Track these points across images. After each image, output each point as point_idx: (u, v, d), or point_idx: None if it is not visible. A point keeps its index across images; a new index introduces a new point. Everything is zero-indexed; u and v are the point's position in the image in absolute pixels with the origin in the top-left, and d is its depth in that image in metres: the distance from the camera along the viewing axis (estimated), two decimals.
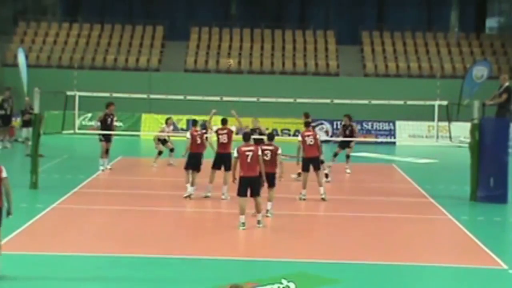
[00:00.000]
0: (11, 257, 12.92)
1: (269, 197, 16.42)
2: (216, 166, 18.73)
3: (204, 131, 19.48)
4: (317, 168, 18.90)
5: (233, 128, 19.15)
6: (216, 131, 19.09)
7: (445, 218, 17.26)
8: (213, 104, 29.03)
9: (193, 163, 18.80)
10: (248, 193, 15.20)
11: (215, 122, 21.87)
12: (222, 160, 18.51)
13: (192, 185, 18.78)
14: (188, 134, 19.12)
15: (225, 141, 18.69)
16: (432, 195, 20.17)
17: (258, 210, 15.33)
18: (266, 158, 15.97)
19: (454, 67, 40.45)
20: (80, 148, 30.42)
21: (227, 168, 18.26)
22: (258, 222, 15.35)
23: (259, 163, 15.17)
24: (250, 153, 14.98)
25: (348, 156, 23.99)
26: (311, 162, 18.81)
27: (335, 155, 23.97)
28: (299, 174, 20.96)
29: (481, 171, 19.44)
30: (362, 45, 42.45)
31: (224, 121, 19.32)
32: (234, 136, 19.02)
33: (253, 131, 21.15)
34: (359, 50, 42.51)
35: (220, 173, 18.72)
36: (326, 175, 21.64)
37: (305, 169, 18.92)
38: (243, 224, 15.18)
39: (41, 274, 12.04)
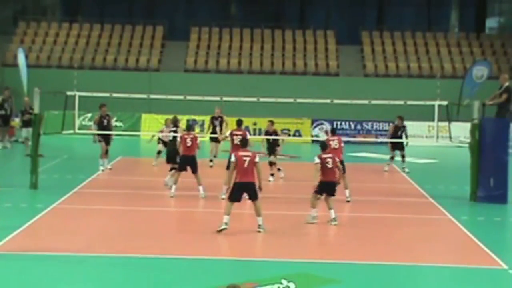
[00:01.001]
0: (11, 257, 12.93)
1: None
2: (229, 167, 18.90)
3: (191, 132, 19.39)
4: (342, 171, 19.01)
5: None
6: (231, 133, 19.33)
7: (445, 218, 17.26)
8: (213, 104, 29.12)
9: (184, 165, 18.98)
10: (245, 198, 15.12)
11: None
12: None
13: (199, 184, 18.88)
14: (178, 137, 19.46)
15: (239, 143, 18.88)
16: (432, 195, 20.17)
17: (258, 214, 15.09)
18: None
19: (454, 67, 40.46)
20: (80, 148, 30.42)
21: None
22: (259, 226, 15.06)
23: (256, 170, 14.91)
24: (247, 158, 14.75)
25: (403, 156, 24.68)
26: None
27: (392, 158, 24.83)
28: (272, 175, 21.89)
29: (481, 171, 19.45)
30: (362, 45, 42.45)
31: (239, 123, 19.50)
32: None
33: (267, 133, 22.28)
34: (359, 50, 42.52)
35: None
36: (272, 175, 22.12)
37: None
38: (226, 224, 14.79)
39: (41, 274, 12.04)
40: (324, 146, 16.41)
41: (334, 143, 19.07)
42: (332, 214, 16.09)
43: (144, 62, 40.66)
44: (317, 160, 15.90)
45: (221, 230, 14.75)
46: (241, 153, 14.92)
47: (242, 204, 18.76)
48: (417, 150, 31.69)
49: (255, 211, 15.15)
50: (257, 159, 14.85)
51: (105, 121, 23.23)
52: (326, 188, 16.04)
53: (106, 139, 23.04)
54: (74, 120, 23.15)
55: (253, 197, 14.94)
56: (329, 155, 16.09)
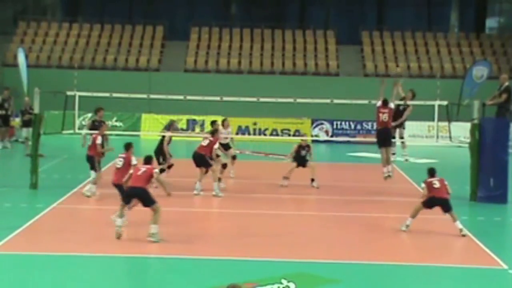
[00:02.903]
0: (11, 257, 12.94)
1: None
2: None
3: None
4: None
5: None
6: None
7: (445, 218, 17.21)
8: (213, 104, 29.15)
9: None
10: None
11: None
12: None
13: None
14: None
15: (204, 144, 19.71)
16: None
17: (152, 221, 14.36)
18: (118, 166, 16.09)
19: (454, 67, 40.45)
20: (80, 148, 30.26)
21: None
22: (151, 235, 14.13)
23: (157, 181, 14.89)
24: (143, 169, 14.69)
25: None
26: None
27: None
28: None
29: (481, 171, 19.46)
30: (362, 45, 42.46)
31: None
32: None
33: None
34: (359, 50, 42.52)
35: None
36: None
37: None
38: (119, 227, 14.33)
39: (41, 274, 12.04)
40: (432, 172, 15.95)
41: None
42: (459, 225, 15.47)
43: (144, 62, 40.66)
44: (422, 185, 15.85)
45: (118, 236, 14.30)
46: (140, 165, 15.03)
47: (242, 204, 18.83)
48: (417, 150, 31.70)
49: (152, 218, 14.35)
50: (156, 170, 14.82)
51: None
52: (436, 203, 15.53)
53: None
54: (74, 120, 23.12)
55: (146, 203, 14.52)
56: (436, 178, 15.67)
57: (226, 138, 22.40)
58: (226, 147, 22.83)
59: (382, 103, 20.67)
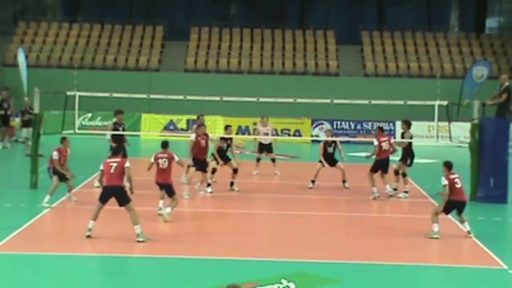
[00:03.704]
0: (11, 257, 12.94)
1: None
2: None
3: None
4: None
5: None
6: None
7: (445, 218, 17.19)
8: (213, 104, 29.16)
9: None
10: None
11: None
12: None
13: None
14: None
15: (203, 145, 19.10)
16: (432, 195, 20.15)
17: (133, 222, 14.23)
18: (163, 167, 16.15)
19: (454, 67, 40.46)
20: (80, 148, 30.32)
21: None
22: (138, 236, 14.00)
23: (126, 174, 14.41)
24: (115, 164, 14.40)
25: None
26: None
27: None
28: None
29: (481, 171, 19.46)
30: (362, 45, 42.46)
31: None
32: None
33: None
34: (359, 50, 42.52)
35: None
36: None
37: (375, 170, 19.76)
38: (89, 230, 14.18)
39: (41, 274, 12.04)
40: (450, 165, 15.32)
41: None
42: (467, 227, 15.36)
43: (144, 62, 40.67)
44: (445, 181, 15.02)
45: (88, 236, 14.18)
46: (108, 160, 14.66)
47: (241, 204, 18.82)
48: (417, 150, 31.62)
49: (130, 219, 14.27)
50: (126, 165, 14.42)
51: (120, 130, 20.92)
52: (455, 207, 15.28)
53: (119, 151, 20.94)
54: (74, 120, 23.13)
55: (122, 201, 14.37)
56: (456, 175, 15.19)
57: (266, 134, 22.29)
58: (268, 148, 22.69)
59: (379, 130, 20.57)
